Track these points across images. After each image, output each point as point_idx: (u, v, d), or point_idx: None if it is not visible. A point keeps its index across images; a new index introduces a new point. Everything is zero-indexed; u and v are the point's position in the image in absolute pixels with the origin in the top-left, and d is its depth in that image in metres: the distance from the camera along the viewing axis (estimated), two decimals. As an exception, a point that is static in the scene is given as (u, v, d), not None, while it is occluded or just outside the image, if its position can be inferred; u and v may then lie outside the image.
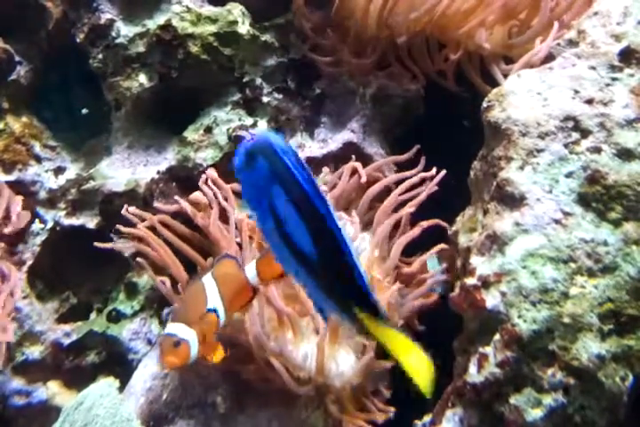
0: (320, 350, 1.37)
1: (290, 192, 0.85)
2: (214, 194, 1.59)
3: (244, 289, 1.35)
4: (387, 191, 1.65)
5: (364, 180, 1.63)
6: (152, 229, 1.57)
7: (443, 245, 1.53)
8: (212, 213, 1.56)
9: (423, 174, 1.62)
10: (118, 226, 1.60)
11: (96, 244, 1.63)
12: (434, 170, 1.61)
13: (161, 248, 1.53)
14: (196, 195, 1.62)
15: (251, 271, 1.33)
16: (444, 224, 1.56)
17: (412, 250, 1.60)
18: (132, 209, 1.61)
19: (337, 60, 1.81)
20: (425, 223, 1.58)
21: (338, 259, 0.87)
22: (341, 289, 0.89)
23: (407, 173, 1.65)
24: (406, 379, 0.88)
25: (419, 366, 0.88)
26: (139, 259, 1.54)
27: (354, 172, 1.67)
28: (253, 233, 1.52)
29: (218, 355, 1.34)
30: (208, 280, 1.35)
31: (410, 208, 1.58)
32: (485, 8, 1.62)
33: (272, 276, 1.33)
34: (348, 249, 0.86)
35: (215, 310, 1.34)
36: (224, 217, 1.57)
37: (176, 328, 1.31)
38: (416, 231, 1.57)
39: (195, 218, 1.57)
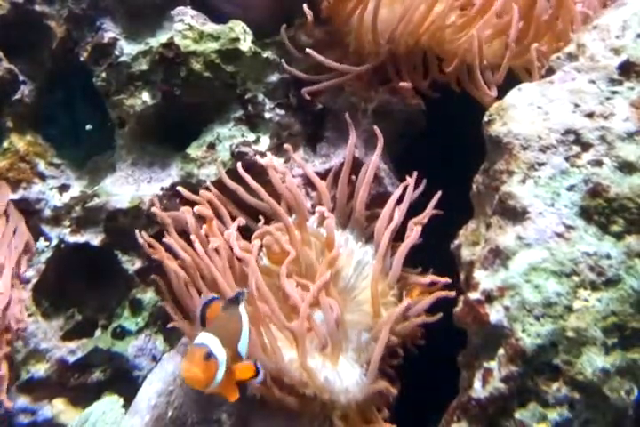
0: (306, 370, 1.36)
1: None
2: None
3: None
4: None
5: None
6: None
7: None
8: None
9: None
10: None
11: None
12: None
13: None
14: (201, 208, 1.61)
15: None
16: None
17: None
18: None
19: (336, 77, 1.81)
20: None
21: None
22: None
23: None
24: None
25: None
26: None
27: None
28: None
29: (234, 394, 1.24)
30: (245, 319, 1.24)
31: (415, 227, 1.59)
32: (481, 21, 1.63)
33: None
34: None
35: (255, 363, 1.23)
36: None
37: (210, 340, 1.16)
38: (414, 237, 1.55)
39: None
